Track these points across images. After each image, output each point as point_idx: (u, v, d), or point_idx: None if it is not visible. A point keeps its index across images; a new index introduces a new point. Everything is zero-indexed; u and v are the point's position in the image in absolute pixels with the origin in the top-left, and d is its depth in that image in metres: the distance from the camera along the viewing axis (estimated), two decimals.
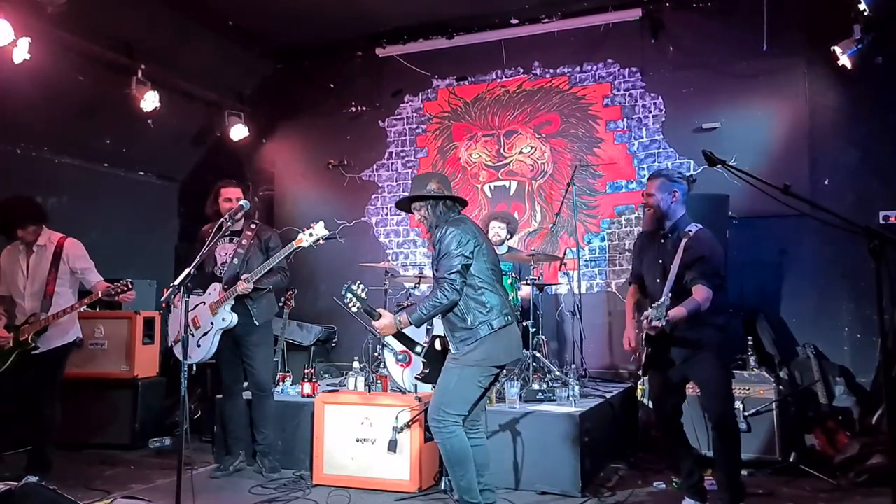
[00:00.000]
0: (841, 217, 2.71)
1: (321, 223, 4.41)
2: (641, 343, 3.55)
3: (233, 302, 4.46)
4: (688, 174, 3.54)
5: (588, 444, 4.25)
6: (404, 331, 3.61)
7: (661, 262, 3.61)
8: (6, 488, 1.71)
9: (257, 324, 4.60)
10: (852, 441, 4.46)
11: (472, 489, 3.33)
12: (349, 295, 3.40)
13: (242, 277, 4.42)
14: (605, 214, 6.37)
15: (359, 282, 3.48)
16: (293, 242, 4.39)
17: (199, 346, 4.49)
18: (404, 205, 3.60)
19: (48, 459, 4.38)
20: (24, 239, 4.42)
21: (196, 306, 4.53)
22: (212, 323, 4.49)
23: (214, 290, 4.53)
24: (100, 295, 4.27)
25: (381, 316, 3.47)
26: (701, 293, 3.38)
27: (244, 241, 4.59)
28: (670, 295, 3.23)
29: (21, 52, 4.82)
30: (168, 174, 7.36)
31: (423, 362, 3.60)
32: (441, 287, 3.28)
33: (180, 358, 4.39)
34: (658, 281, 3.58)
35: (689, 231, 3.51)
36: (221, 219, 3.90)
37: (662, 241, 3.66)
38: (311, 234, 4.36)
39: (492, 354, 3.35)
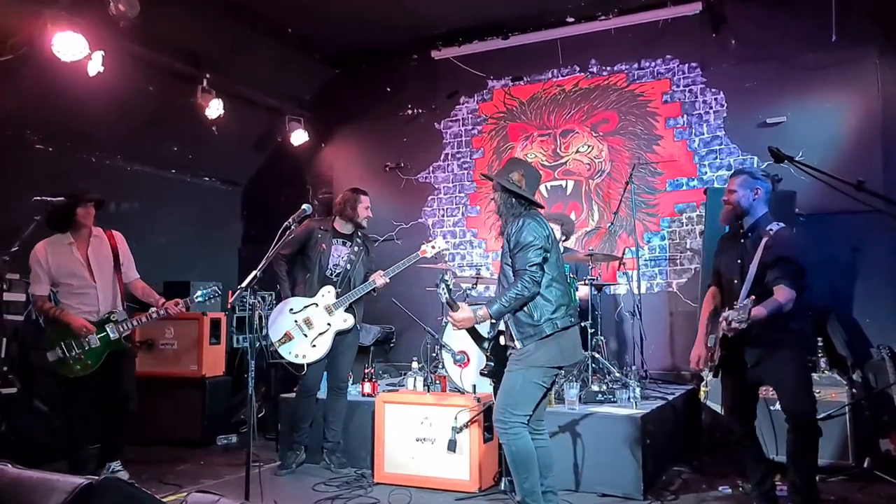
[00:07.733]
0: None
1: (440, 237, 5.22)
2: (716, 344, 3.46)
3: (349, 303, 4.67)
4: (773, 173, 3.47)
5: (650, 447, 4.19)
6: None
7: (739, 261, 3.51)
8: (87, 482, 1.77)
9: (358, 327, 4.86)
10: None
11: (536, 492, 3.34)
12: (442, 285, 3.48)
13: (380, 273, 4.73)
14: (665, 213, 6.25)
15: (449, 272, 3.68)
16: (418, 253, 4.73)
17: (314, 346, 4.67)
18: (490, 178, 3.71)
19: (122, 447, 4.52)
20: (82, 223, 4.39)
21: (307, 307, 4.70)
22: (329, 324, 4.67)
23: (329, 292, 4.72)
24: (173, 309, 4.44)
25: (459, 308, 3.49)
26: (783, 294, 3.26)
27: (356, 248, 4.86)
28: (754, 297, 3.10)
29: (95, 65, 5.06)
30: (232, 179, 7.61)
31: (488, 356, 3.62)
32: (521, 279, 3.29)
33: (291, 358, 4.64)
34: (735, 281, 3.49)
35: (770, 230, 3.42)
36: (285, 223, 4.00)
37: (742, 240, 3.57)
38: (433, 247, 4.79)
39: (554, 356, 3.38)
